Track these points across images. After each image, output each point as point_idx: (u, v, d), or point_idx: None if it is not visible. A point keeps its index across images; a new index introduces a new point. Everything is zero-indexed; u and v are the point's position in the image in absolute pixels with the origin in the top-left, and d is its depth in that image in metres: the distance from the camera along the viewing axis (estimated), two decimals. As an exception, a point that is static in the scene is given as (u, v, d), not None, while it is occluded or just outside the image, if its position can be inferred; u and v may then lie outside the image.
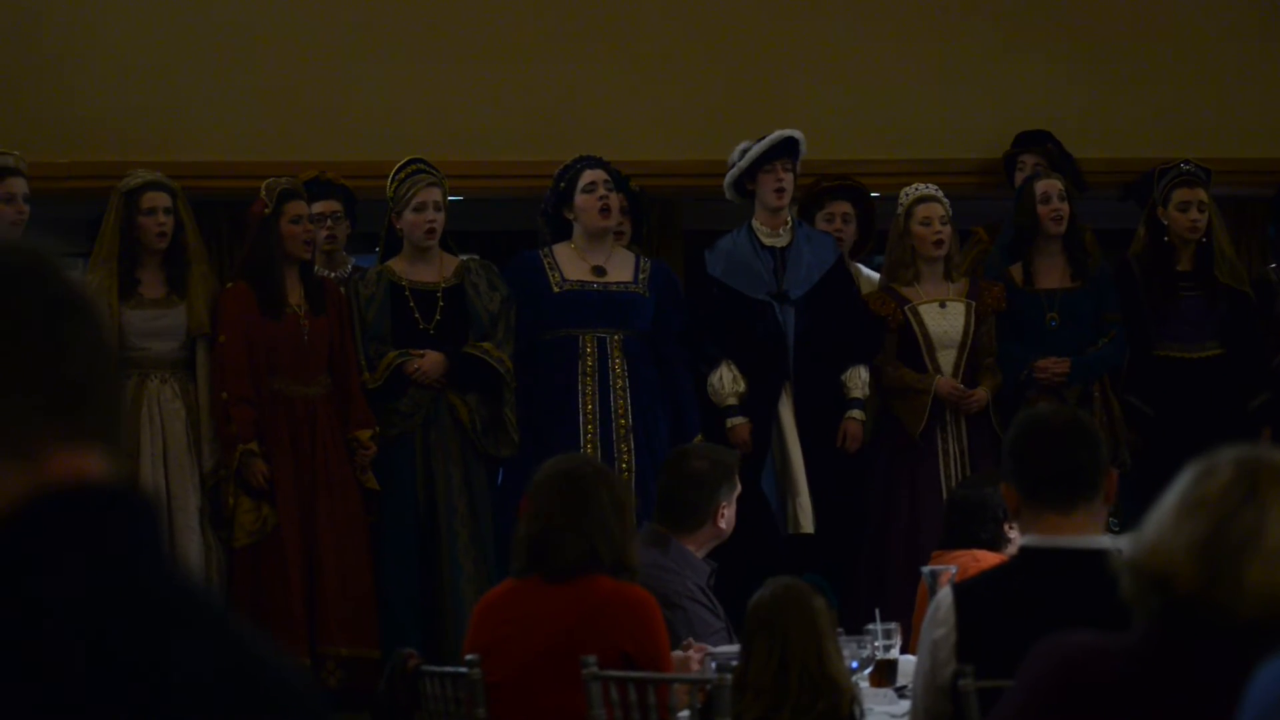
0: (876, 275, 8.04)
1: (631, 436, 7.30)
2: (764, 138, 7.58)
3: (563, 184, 7.45)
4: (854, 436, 7.53)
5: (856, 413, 7.54)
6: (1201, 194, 7.82)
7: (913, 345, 7.64)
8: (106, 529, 1.42)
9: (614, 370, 7.35)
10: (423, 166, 7.34)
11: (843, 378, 7.56)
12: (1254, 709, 1.91)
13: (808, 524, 7.40)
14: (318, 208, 7.52)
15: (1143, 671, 2.38)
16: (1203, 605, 2.29)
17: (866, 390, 7.57)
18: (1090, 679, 2.43)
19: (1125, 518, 7.05)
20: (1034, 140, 8.36)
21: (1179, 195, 7.82)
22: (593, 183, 7.38)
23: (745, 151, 7.61)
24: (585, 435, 7.27)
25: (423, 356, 7.24)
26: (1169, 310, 7.81)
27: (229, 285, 7.33)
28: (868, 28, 8.73)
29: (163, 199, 7.23)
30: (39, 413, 1.44)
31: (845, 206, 7.99)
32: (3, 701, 1.31)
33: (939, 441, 7.56)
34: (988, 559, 5.54)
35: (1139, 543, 2.36)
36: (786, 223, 7.66)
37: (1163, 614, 2.34)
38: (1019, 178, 8.20)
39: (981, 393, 7.55)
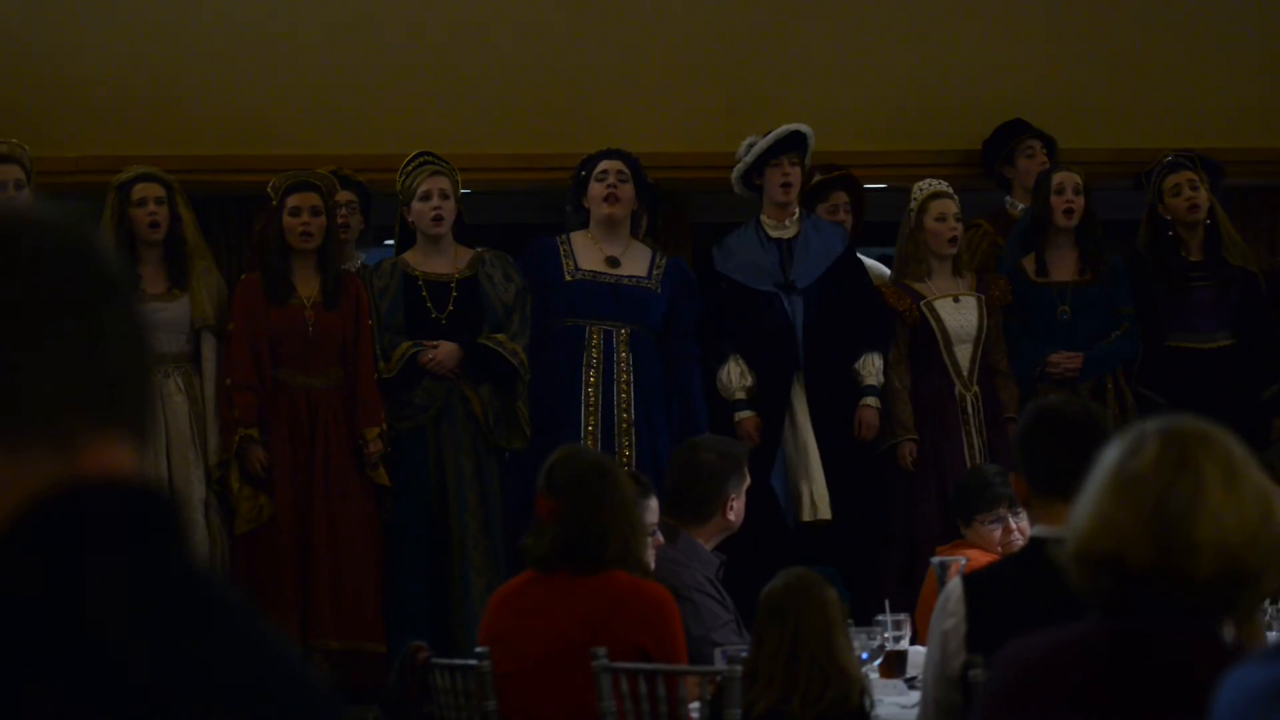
0: (872, 263, 8.05)
1: (633, 430, 7.31)
2: (770, 132, 7.59)
3: (583, 173, 7.48)
4: (869, 424, 7.53)
5: (871, 400, 7.53)
6: (1189, 175, 7.82)
7: (929, 341, 7.62)
8: (134, 527, 1.40)
9: (619, 364, 7.36)
10: (429, 158, 7.39)
11: (856, 366, 7.56)
12: (1225, 713, 1.92)
13: (825, 510, 7.39)
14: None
15: (1105, 655, 2.40)
16: (1158, 575, 2.36)
17: (880, 377, 7.55)
18: (1051, 675, 2.43)
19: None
20: (1016, 130, 8.36)
21: (1169, 182, 7.84)
22: (604, 171, 7.42)
23: (752, 146, 7.62)
24: (586, 428, 7.29)
25: (436, 347, 7.27)
26: (1181, 301, 7.81)
27: (242, 276, 7.38)
28: (872, 20, 8.72)
29: (153, 189, 7.25)
30: (75, 399, 1.40)
31: (844, 196, 8.03)
32: (29, 697, 1.31)
33: (962, 436, 7.56)
34: (979, 557, 5.55)
35: (1077, 529, 2.42)
36: (794, 214, 7.67)
37: (1116, 593, 2.38)
38: (1028, 164, 8.21)
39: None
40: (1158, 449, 2.39)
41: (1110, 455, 2.41)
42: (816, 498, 7.42)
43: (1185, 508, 2.36)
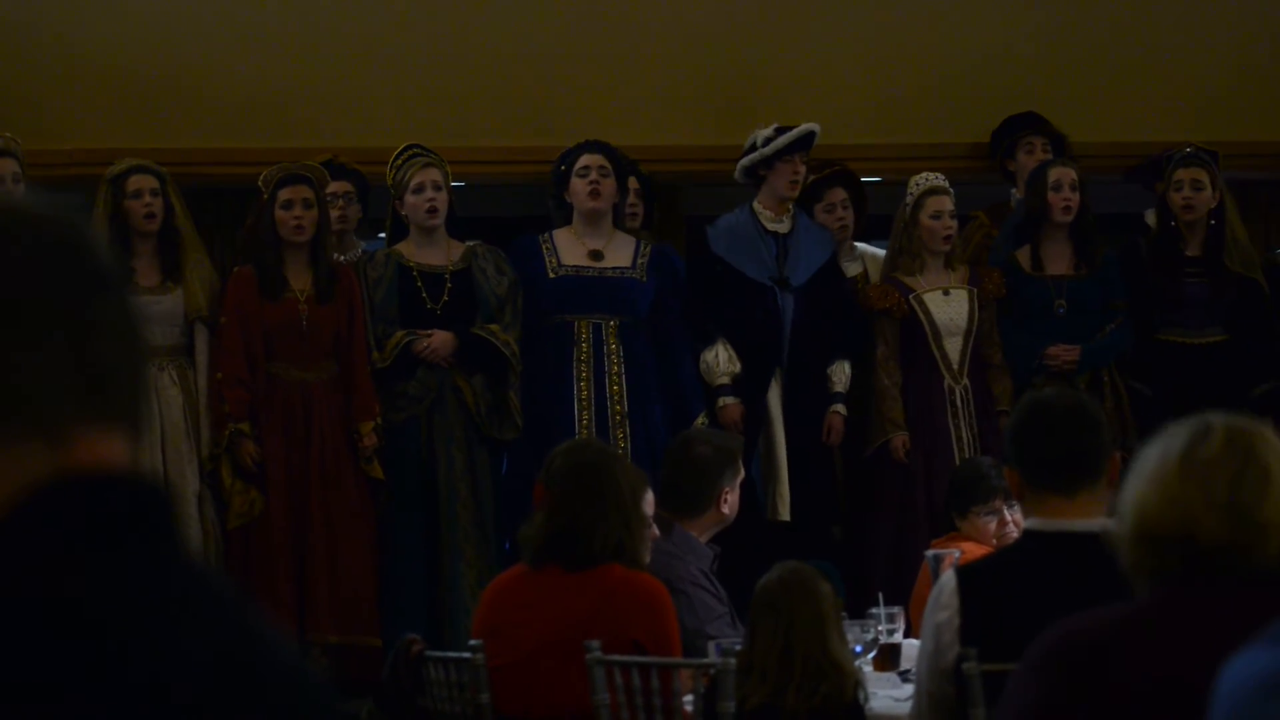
0: (878, 251, 8.05)
1: (627, 423, 7.31)
2: (779, 126, 7.56)
3: (563, 167, 7.48)
4: (836, 430, 7.56)
5: (839, 407, 7.58)
6: (1196, 173, 7.80)
7: (919, 335, 7.63)
8: (127, 520, 1.39)
9: (609, 356, 7.36)
10: (418, 150, 7.39)
11: (827, 371, 7.58)
12: (1225, 703, 1.92)
13: (785, 512, 7.42)
14: (330, 187, 7.55)
15: (1165, 623, 2.54)
16: (1229, 551, 2.55)
17: (848, 384, 7.59)
18: (1115, 644, 2.54)
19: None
20: (1025, 123, 8.35)
21: (1176, 176, 7.84)
22: (586, 166, 7.41)
23: (768, 140, 7.59)
24: (580, 422, 7.28)
25: (431, 336, 7.27)
26: (1173, 295, 7.81)
27: (235, 269, 7.37)
28: (869, 13, 8.71)
29: (148, 181, 7.25)
30: (66, 392, 1.40)
31: (842, 193, 8.01)
32: (25, 694, 1.30)
33: (951, 429, 7.57)
34: (973, 550, 5.55)
35: (1140, 510, 2.59)
36: (789, 210, 7.67)
37: (1184, 567, 2.56)
38: (1027, 159, 8.20)
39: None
40: (1224, 439, 2.63)
41: (1174, 444, 2.63)
42: (778, 498, 7.44)
43: (1255, 493, 2.58)
